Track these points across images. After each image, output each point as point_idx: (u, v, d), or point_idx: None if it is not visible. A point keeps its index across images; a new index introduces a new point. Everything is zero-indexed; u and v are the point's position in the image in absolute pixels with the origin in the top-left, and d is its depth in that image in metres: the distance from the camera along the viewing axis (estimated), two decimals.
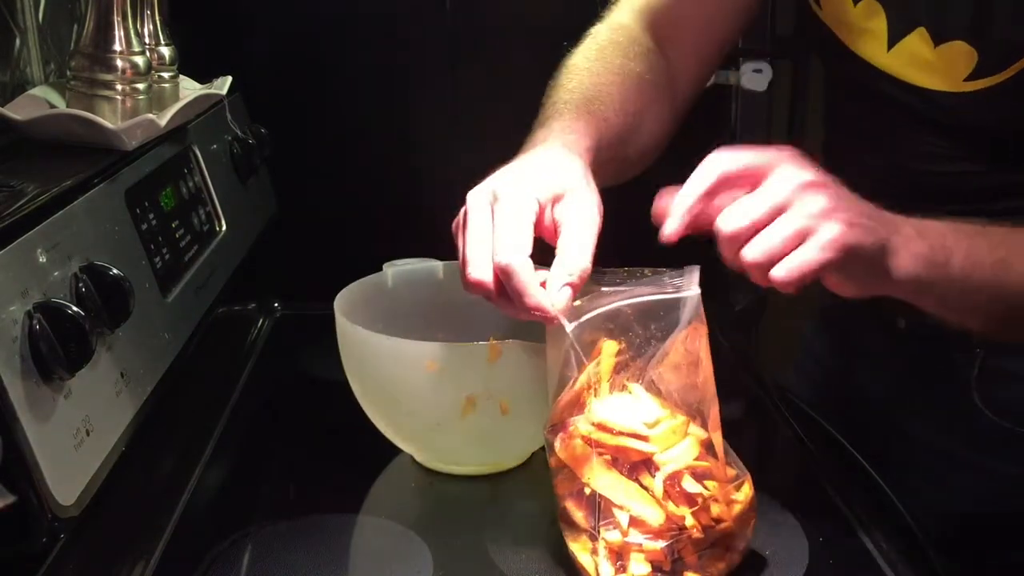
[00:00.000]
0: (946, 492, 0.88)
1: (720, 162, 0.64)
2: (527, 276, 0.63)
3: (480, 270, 0.64)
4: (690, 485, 0.64)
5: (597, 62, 0.87)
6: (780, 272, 0.60)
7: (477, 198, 0.67)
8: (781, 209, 0.61)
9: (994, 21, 0.71)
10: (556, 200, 0.67)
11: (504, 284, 0.64)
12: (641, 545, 0.63)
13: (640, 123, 0.86)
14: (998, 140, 0.75)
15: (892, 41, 0.77)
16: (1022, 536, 0.85)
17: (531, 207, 0.65)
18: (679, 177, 0.67)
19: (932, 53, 0.74)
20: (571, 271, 0.64)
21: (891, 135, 0.82)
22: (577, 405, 0.67)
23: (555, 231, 0.67)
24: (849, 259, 0.61)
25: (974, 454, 0.85)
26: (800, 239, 0.61)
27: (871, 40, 0.78)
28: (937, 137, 0.79)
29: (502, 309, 0.66)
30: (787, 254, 0.61)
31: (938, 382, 0.87)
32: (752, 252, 0.61)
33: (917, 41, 0.75)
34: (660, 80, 0.90)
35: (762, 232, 0.61)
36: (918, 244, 0.64)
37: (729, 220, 0.62)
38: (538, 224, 0.66)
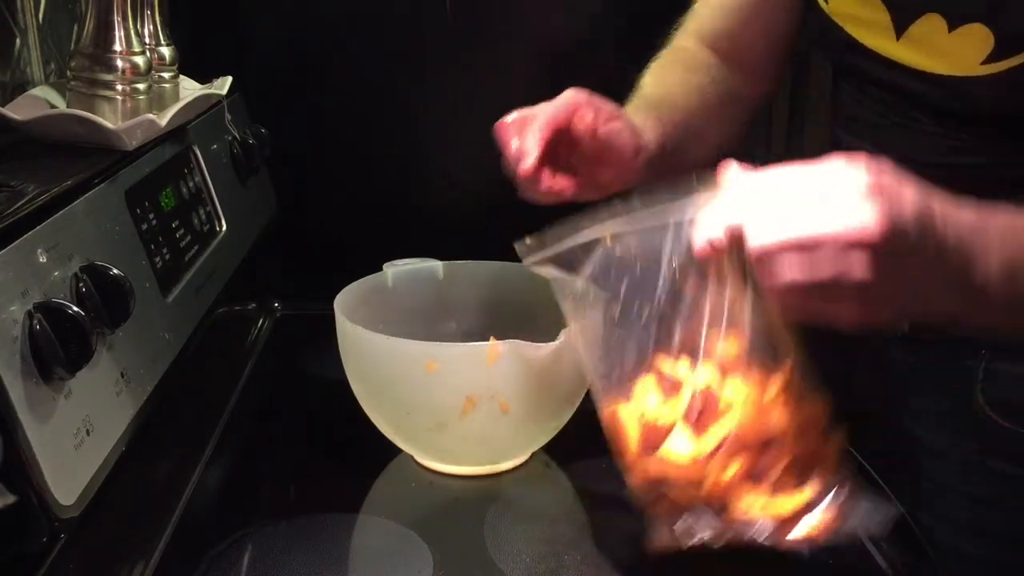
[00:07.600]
0: (949, 494, 0.87)
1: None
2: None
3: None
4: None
5: (659, 75, 0.92)
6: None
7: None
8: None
9: (1011, 2, 0.69)
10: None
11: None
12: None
13: (706, 129, 0.90)
14: (1015, 128, 0.74)
15: (900, 30, 0.76)
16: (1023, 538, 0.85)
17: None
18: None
19: (946, 38, 0.74)
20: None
21: (902, 127, 0.81)
22: None
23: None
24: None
25: (978, 456, 0.85)
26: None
27: (879, 31, 0.78)
28: (950, 127, 0.77)
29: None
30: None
31: (943, 385, 0.87)
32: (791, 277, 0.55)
33: (930, 27, 0.74)
34: (723, 89, 0.93)
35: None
36: (987, 261, 0.57)
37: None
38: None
